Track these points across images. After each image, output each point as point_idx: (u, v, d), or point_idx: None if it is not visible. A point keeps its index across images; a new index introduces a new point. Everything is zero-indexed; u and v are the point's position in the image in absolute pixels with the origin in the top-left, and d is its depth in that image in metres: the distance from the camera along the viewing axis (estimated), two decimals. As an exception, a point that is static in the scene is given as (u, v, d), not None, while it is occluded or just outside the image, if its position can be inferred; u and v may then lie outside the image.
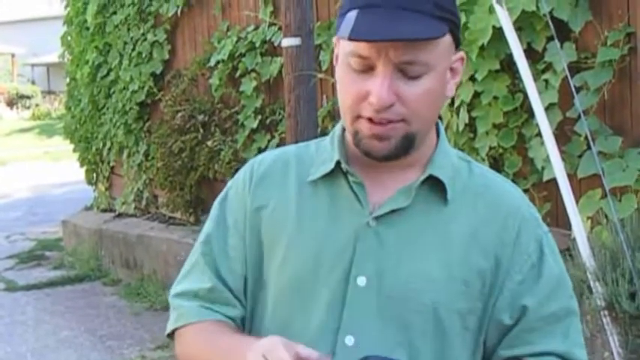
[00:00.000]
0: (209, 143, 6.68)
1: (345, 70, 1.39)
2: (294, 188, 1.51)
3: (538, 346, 1.43)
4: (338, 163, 1.47)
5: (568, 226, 3.41)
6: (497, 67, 3.97)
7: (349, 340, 1.39)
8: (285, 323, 1.45)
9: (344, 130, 1.51)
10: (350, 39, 1.32)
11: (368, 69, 1.35)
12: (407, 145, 1.39)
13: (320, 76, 4.81)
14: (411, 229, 1.43)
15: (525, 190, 3.77)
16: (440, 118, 1.54)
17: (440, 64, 1.37)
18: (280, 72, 5.63)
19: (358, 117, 1.37)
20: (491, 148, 4.06)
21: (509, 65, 3.94)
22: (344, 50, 1.38)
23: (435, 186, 1.45)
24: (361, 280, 1.41)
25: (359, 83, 1.36)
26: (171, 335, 1.58)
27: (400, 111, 1.35)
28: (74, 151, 10.56)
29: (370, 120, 1.36)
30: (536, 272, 1.44)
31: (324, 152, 1.52)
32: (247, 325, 1.53)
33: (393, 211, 1.43)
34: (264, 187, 1.53)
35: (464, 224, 1.44)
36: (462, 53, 1.45)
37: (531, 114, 3.70)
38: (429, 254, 1.42)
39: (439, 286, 1.41)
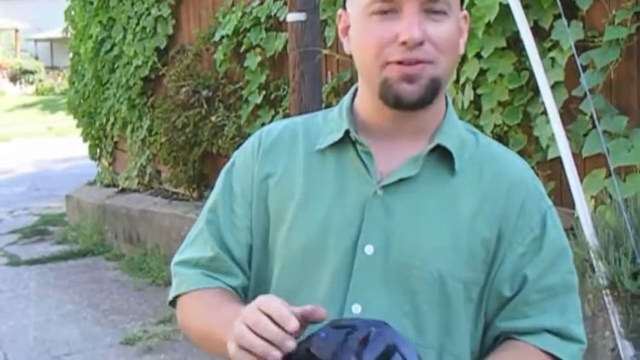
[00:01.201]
0: (213, 119, 6.67)
1: (366, 21, 1.40)
2: (301, 157, 1.51)
3: (534, 320, 1.44)
4: (347, 132, 1.47)
5: (572, 205, 3.41)
6: (504, 44, 3.95)
7: (356, 309, 1.40)
8: (291, 292, 1.44)
9: (353, 100, 1.52)
10: None
11: (392, 13, 1.37)
12: (434, 89, 1.40)
13: (325, 52, 4.78)
14: (418, 198, 1.43)
15: (529, 169, 3.76)
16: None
17: (455, 10, 1.41)
18: (285, 47, 5.60)
19: (386, 64, 1.38)
20: (496, 126, 4.05)
21: (515, 43, 3.92)
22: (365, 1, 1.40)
23: (442, 156, 1.45)
24: (368, 249, 1.42)
25: (384, 29, 1.38)
26: (174, 304, 1.59)
27: (430, 50, 1.37)
28: (78, 126, 10.56)
29: (399, 63, 1.37)
30: (537, 245, 1.45)
31: (332, 122, 1.52)
32: (252, 294, 1.52)
33: (400, 181, 1.43)
34: (272, 156, 1.53)
35: (470, 195, 1.45)
36: (465, 12, 1.49)
37: (537, 92, 3.69)
38: (436, 223, 1.42)
39: (445, 255, 1.41)
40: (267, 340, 1.21)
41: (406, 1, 1.35)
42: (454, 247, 1.42)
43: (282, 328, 1.21)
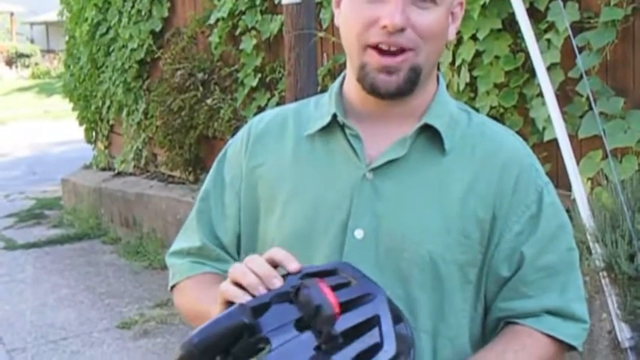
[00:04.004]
0: (208, 102, 6.65)
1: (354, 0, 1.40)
2: (291, 144, 1.51)
3: (533, 301, 1.42)
4: (334, 116, 1.46)
5: (568, 187, 3.40)
6: (499, 26, 3.94)
7: None
8: None
9: (342, 84, 1.52)
10: None
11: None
12: (413, 79, 1.39)
13: (320, 34, 4.76)
14: (407, 180, 1.42)
15: (526, 151, 3.75)
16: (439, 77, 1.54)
17: (446, 0, 1.40)
18: (280, 30, 5.57)
19: (366, 47, 1.38)
20: (492, 108, 4.04)
21: (511, 24, 3.90)
22: None
23: (432, 136, 1.44)
24: (359, 233, 1.41)
25: (369, 10, 1.37)
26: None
27: (412, 38, 1.36)
28: (73, 109, 10.52)
29: (379, 50, 1.36)
30: (534, 223, 1.43)
31: (322, 108, 1.52)
32: None
33: (389, 163, 1.42)
34: (261, 145, 1.54)
35: (462, 174, 1.43)
36: None
37: (533, 74, 3.68)
38: (426, 205, 1.41)
39: (436, 237, 1.40)
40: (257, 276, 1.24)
41: None
42: (445, 228, 1.40)
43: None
